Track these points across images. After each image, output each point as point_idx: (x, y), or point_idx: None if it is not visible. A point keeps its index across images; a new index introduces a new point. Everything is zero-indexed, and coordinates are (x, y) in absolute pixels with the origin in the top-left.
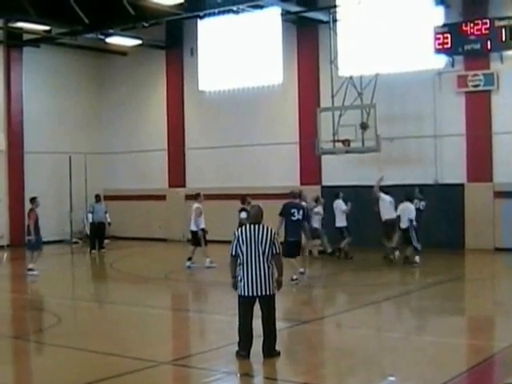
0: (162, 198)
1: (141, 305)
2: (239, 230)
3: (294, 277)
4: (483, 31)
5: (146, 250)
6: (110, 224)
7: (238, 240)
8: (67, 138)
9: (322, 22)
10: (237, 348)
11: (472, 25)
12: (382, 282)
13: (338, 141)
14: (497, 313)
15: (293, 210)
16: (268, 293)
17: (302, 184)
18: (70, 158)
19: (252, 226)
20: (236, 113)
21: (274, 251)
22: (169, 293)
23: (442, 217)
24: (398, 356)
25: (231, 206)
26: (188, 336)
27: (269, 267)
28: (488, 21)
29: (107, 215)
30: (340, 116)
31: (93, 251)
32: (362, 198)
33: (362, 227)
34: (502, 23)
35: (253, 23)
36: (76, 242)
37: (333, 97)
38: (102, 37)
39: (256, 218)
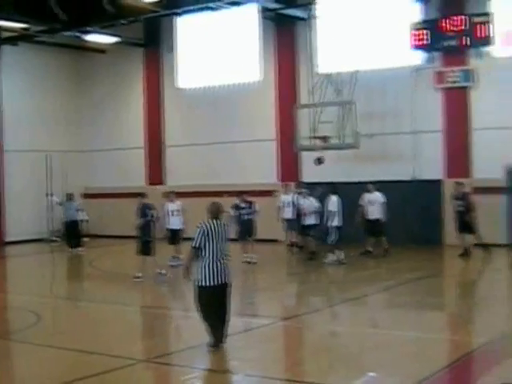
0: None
1: (120, 303)
2: (205, 224)
3: (140, 274)
4: (461, 27)
5: (126, 247)
6: (86, 221)
7: (204, 233)
8: (46, 137)
9: (300, 19)
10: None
11: (449, 21)
12: (360, 279)
13: (317, 137)
14: (476, 308)
15: (147, 211)
16: (230, 280)
17: (281, 181)
18: (49, 156)
19: (215, 221)
20: (215, 110)
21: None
22: (148, 291)
23: (420, 213)
24: (378, 352)
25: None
26: (167, 334)
27: (227, 256)
28: (465, 17)
29: (84, 213)
30: (319, 113)
31: (69, 250)
32: (340, 194)
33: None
34: (480, 19)
35: (231, 20)
36: (55, 241)
37: (311, 94)
38: (81, 35)
39: (217, 213)
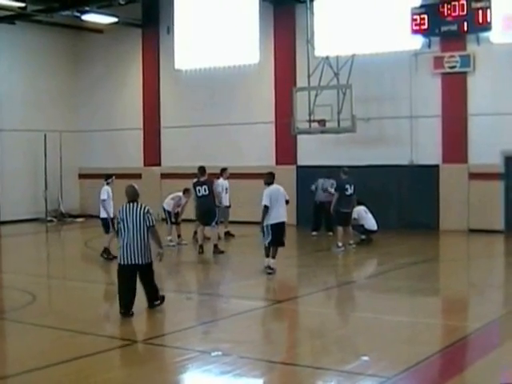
0: (138, 176)
1: (114, 283)
2: (121, 209)
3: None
4: (460, 12)
5: None
6: None
7: (118, 218)
8: (42, 116)
9: (298, 1)
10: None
11: (449, 6)
12: (355, 263)
13: (314, 121)
14: (470, 294)
15: None
16: (145, 262)
17: (277, 164)
18: (45, 136)
19: (130, 205)
20: (212, 92)
21: (148, 224)
22: None
23: (416, 198)
24: (372, 336)
25: None
26: (161, 314)
27: (144, 239)
28: (465, 2)
29: None
30: (316, 96)
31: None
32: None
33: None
34: (479, 5)
35: (230, 2)
36: (51, 221)
37: (309, 77)
38: (78, 14)
39: (133, 196)
